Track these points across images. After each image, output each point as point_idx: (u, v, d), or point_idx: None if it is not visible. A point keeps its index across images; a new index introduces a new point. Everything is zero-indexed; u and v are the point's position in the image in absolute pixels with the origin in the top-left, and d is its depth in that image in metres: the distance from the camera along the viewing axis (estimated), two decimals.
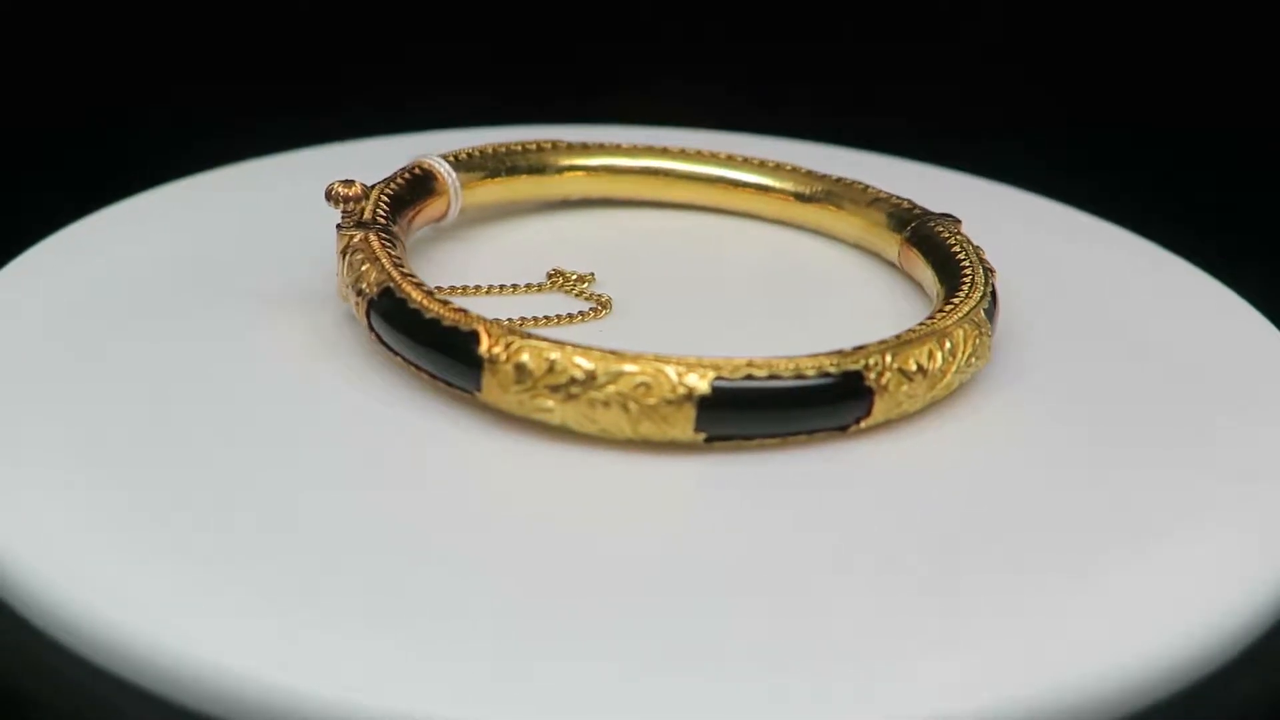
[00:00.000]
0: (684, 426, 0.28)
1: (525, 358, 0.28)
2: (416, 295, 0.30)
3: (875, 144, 0.42)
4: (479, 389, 0.29)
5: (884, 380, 0.29)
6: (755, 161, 0.39)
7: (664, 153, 0.39)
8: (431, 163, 0.36)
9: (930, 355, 0.30)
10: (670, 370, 0.28)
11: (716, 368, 0.28)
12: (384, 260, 0.31)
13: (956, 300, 0.31)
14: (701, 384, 0.28)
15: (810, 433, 0.29)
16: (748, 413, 0.28)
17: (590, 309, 0.34)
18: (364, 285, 0.31)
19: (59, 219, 0.37)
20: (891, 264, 0.36)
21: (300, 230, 0.36)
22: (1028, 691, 0.24)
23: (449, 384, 0.30)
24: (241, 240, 0.36)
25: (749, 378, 0.28)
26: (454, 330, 0.29)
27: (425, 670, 0.24)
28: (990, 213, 0.38)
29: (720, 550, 0.27)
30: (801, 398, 0.28)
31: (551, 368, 0.28)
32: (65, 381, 0.31)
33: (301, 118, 0.45)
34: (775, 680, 0.24)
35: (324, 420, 0.30)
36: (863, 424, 0.29)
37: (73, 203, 0.38)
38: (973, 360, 0.31)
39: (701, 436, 0.28)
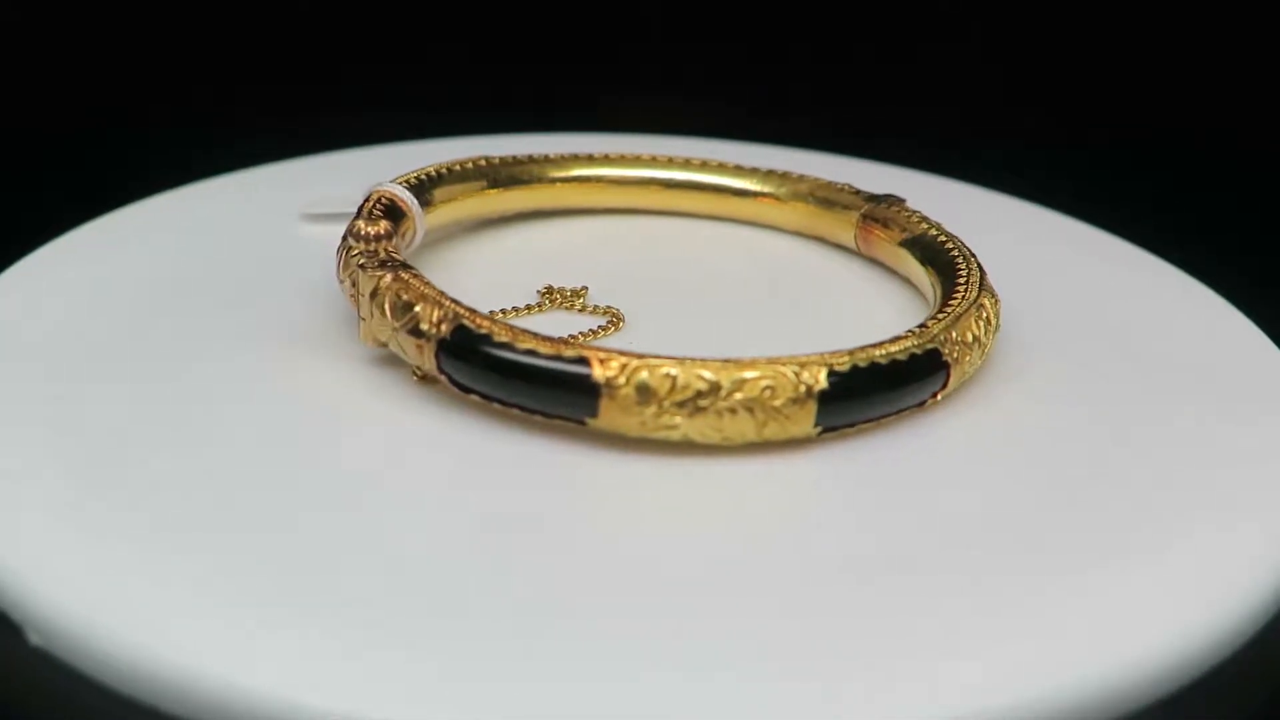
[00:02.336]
0: (805, 423, 0.29)
1: (645, 377, 0.28)
2: (500, 330, 0.29)
3: (867, 152, 0.43)
4: (594, 416, 0.29)
5: (955, 354, 0.31)
6: (680, 160, 0.40)
7: (590, 160, 0.39)
8: (395, 191, 0.35)
9: (975, 324, 0.32)
10: (787, 370, 0.29)
11: (825, 363, 0.29)
12: (442, 298, 0.30)
13: (963, 274, 0.33)
14: (819, 379, 0.29)
15: (898, 412, 0.31)
16: (858, 401, 0.29)
17: (608, 323, 0.34)
18: (424, 326, 0.30)
19: (60, 224, 0.37)
20: (839, 247, 0.38)
21: (298, 237, 0.37)
22: (1028, 692, 0.25)
23: (549, 416, 0.29)
24: (246, 246, 0.37)
25: (854, 368, 0.29)
26: (557, 359, 0.29)
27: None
28: (982, 220, 0.38)
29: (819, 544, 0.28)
30: (899, 379, 0.30)
31: (674, 384, 0.28)
32: (60, 387, 0.31)
33: (285, 126, 0.46)
34: (777, 680, 0.25)
35: (333, 428, 0.30)
36: (939, 396, 0.31)
37: (73, 208, 0.38)
38: (997, 327, 0.33)
39: (818, 430, 0.29)
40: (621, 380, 0.29)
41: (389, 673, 0.24)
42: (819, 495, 0.29)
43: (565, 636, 0.25)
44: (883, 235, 0.37)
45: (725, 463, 0.29)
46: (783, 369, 0.29)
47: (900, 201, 0.37)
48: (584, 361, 0.29)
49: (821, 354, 0.29)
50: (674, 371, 0.29)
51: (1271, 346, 0.35)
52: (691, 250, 0.38)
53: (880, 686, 0.25)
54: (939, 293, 0.34)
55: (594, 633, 0.26)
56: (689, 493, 0.29)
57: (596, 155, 0.39)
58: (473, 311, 0.30)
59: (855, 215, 0.37)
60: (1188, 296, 0.38)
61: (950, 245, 0.35)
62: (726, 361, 0.29)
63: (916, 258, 0.36)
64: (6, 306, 0.34)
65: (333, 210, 0.39)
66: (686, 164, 0.40)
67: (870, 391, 0.30)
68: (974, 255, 0.34)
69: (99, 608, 0.25)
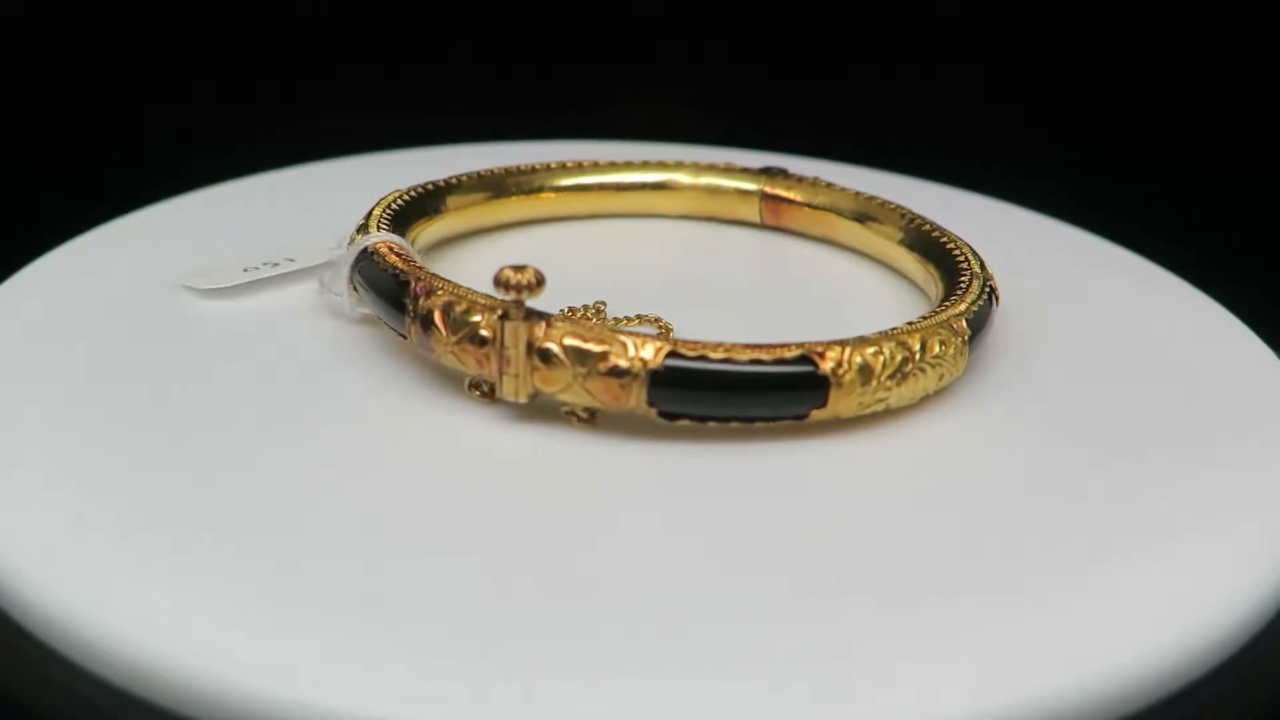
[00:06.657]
0: (961, 366, 0.32)
1: (862, 360, 0.30)
2: (711, 349, 0.30)
3: (868, 161, 0.44)
4: (822, 406, 0.30)
5: (997, 290, 0.35)
6: (557, 166, 0.40)
7: (493, 174, 0.39)
8: (402, 242, 0.34)
9: (988, 269, 0.36)
10: (941, 327, 0.32)
11: (957, 314, 0.32)
12: (621, 336, 0.30)
13: (947, 239, 0.36)
14: (965, 328, 0.32)
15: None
16: (979, 339, 0.33)
17: (662, 331, 0.35)
18: (622, 364, 0.29)
19: (60, 232, 0.38)
20: (737, 222, 0.41)
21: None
22: (1028, 692, 0.25)
23: (771, 420, 0.30)
24: (244, 252, 0.37)
25: (975, 313, 0.33)
26: (782, 362, 0.30)
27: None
28: (983, 228, 0.38)
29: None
30: (988, 316, 0.34)
31: (885, 359, 0.31)
32: (59, 389, 0.32)
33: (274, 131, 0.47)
34: (776, 681, 0.25)
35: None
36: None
37: (74, 215, 0.38)
38: None
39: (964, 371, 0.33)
40: (844, 368, 0.30)
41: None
42: (805, 497, 0.30)
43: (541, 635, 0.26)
44: (786, 210, 0.40)
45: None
46: (937, 329, 0.32)
47: (783, 171, 0.41)
48: (807, 359, 0.30)
49: (944, 308, 0.33)
50: (880, 348, 0.31)
51: (1267, 349, 0.36)
52: (637, 250, 0.39)
53: (880, 687, 0.25)
54: (927, 256, 0.37)
55: (588, 631, 0.26)
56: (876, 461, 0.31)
57: (497, 169, 0.39)
58: (667, 339, 0.30)
59: (756, 192, 0.40)
60: (1183, 301, 0.39)
61: (915, 220, 0.38)
62: (901, 329, 0.31)
63: (898, 241, 0.38)
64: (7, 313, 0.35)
65: (225, 284, 0.36)
66: (563, 168, 0.40)
67: (981, 329, 0.33)
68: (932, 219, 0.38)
69: (105, 607, 0.26)
